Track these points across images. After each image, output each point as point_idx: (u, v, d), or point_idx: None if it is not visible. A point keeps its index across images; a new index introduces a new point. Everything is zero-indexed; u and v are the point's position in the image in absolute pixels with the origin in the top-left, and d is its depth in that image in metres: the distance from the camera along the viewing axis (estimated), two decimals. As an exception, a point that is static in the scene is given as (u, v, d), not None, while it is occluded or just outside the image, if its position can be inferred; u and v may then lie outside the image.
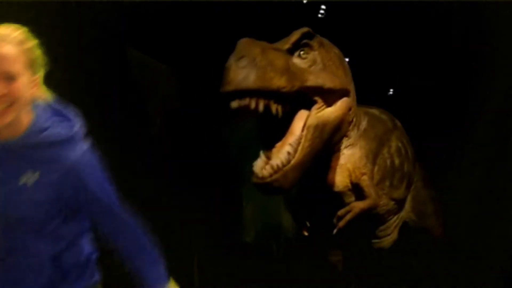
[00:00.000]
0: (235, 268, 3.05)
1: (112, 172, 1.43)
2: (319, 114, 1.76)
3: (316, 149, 1.74)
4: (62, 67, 1.97)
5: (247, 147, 3.18)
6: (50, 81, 1.35)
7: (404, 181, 2.42)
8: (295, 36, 1.80)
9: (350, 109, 1.93)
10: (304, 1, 3.79)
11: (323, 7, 3.65)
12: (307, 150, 1.70)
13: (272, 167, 1.63)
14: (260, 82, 1.55)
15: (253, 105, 1.58)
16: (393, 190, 2.31)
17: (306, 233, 2.33)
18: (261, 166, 1.65)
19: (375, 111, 2.42)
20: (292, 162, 1.66)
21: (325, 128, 1.78)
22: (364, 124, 2.15)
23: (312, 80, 1.74)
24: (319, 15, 3.68)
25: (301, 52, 1.82)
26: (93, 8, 2.97)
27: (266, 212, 3.33)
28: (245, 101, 1.57)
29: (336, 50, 2.00)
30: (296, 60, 1.79)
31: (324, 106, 1.78)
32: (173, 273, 1.59)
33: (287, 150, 1.67)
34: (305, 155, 1.69)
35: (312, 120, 1.74)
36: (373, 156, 2.15)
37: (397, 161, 2.35)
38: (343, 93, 1.87)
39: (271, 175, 1.62)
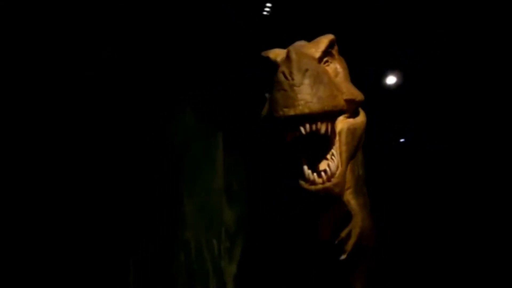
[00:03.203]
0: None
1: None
2: (348, 120, 1.69)
3: (351, 154, 1.67)
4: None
5: (189, 142, 3.13)
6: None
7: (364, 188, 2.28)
8: (323, 43, 1.69)
9: None
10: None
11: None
12: (346, 155, 1.62)
13: (326, 174, 1.53)
14: (331, 102, 1.45)
15: (323, 129, 1.49)
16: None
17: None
18: (311, 176, 1.52)
19: None
20: (340, 168, 1.56)
21: (355, 133, 1.72)
22: None
23: (346, 94, 1.65)
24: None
25: (326, 62, 1.70)
26: None
27: (207, 208, 3.24)
28: (316, 126, 1.46)
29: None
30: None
31: (349, 115, 1.72)
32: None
33: (331, 157, 1.59)
34: (346, 159, 1.61)
35: (343, 125, 1.66)
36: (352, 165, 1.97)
37: (361, 171, 2.18)
38: (362, 103, 1.81)
39: (323, 183, 1.51)
